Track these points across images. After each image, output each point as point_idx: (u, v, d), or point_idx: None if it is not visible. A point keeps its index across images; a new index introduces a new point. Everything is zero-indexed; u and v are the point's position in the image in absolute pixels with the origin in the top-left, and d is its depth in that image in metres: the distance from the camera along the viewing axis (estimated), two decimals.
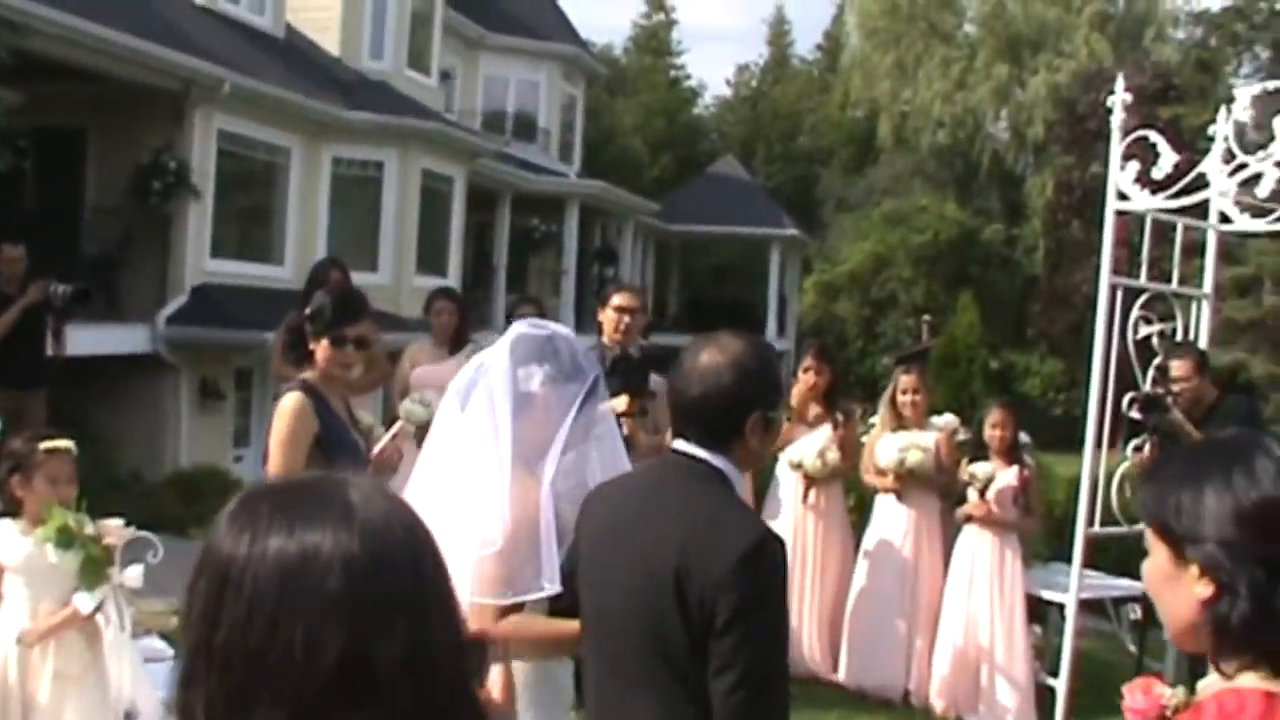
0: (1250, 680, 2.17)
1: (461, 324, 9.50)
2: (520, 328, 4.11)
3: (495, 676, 1.69)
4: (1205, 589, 2.20)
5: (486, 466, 3.90)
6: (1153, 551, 2.30)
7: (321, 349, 5.48)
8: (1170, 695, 2.71)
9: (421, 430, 9.24)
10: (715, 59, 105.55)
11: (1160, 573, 2.30)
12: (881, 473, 8.99)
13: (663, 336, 20.64)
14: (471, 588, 3.77)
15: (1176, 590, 2.26)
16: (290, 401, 5.40)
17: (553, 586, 3.74)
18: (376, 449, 5.73)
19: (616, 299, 8.35)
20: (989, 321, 32.72)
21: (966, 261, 35.79)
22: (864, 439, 9.46)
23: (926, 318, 33.57)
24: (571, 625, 3.57)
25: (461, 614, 1.52)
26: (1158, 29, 42.54)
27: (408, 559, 1.46)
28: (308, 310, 5.56)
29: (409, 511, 1.52)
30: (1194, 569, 2.21)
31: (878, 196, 41.82)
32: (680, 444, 3.32)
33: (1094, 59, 39.65)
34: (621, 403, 7.74)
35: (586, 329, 16.60)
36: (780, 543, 3.18)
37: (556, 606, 3.82)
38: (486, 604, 3.77)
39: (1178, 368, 8.44)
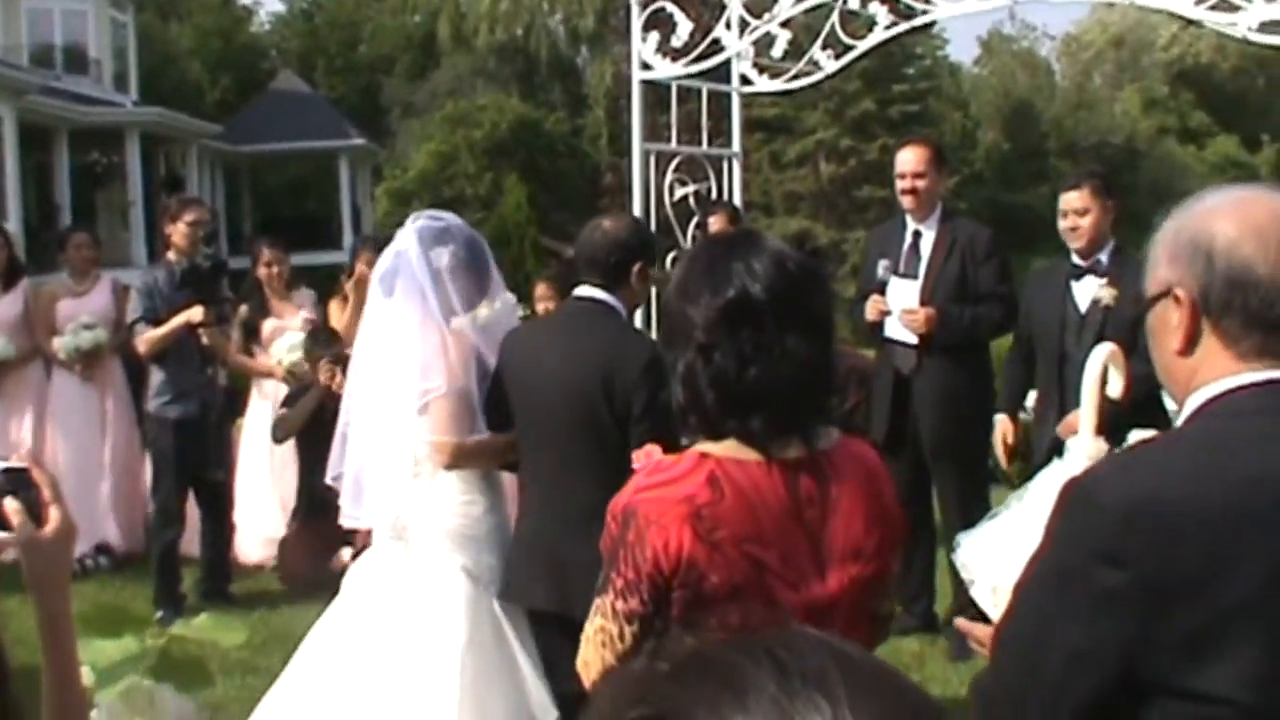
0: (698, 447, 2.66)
1: (11, 258, 9.39)
2: (422, 219, 4.97)
3: (55, 518, 2.02)
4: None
5: (420, 332, 4.83)
6: None
7: None
8: (663, 460, 3.26)
9: None
10: None
11: None
12: None
13: (238, 260, 20.39)
14: (431, 427, 4.79)
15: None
16: None
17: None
18: None
19: (189, 215, 8.38)
20: (562, 209, 33.51)
21: (534, 154, 36.36)
22: None
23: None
24: (506, 437, 4.77)
25: None
26: None
27: None
28: None
29: None
30: None
31: (442, 99, 41.92)
32: (584, 290, 4.61)
33: None
34: (197, 313, 7.86)
35: (161, 259, 16.32)
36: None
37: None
38: (447, 440, 4.80)
39: (714, 223, 9.01)
